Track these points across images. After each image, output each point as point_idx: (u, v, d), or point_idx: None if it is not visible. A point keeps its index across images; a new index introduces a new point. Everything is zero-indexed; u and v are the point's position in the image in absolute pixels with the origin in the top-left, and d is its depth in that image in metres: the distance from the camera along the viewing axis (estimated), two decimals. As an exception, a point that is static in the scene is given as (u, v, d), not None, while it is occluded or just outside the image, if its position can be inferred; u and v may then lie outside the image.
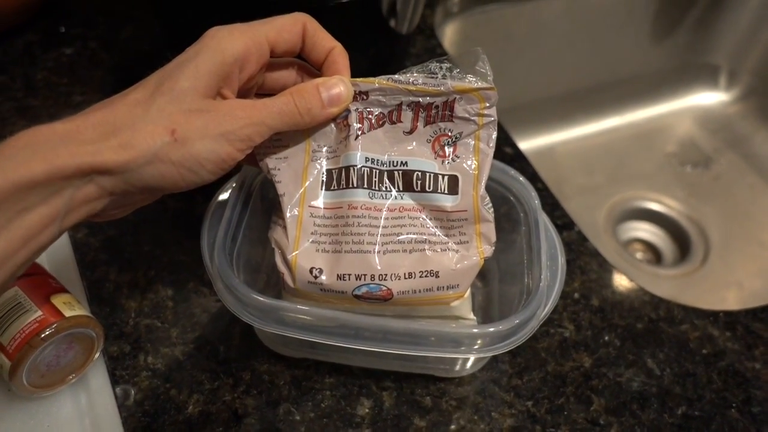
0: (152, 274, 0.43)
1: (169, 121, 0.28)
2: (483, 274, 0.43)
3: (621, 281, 0.46)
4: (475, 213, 0.33)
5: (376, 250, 0.32)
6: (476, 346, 0.33)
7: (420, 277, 0.32)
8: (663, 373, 0.41)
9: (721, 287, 0.66)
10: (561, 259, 0.37)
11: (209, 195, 0.38)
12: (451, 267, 0.32)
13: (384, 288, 0.32)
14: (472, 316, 0.37)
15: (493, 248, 0.34)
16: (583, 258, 0.47)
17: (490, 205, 0.34)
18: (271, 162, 0.33)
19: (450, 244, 0.33)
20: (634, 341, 0.42)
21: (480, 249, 0.33)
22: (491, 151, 0.33)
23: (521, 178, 0.40)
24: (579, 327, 0.43)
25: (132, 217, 0.46)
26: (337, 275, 0.31)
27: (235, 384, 0.39)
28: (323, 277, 0.32)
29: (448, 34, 0.71)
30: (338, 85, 0.32)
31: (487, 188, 0.38)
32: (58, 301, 0.35)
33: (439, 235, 0.33)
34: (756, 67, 0.81)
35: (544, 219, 0.38)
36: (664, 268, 0.68)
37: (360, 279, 0.31)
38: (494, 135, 0.33)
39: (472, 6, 0.71)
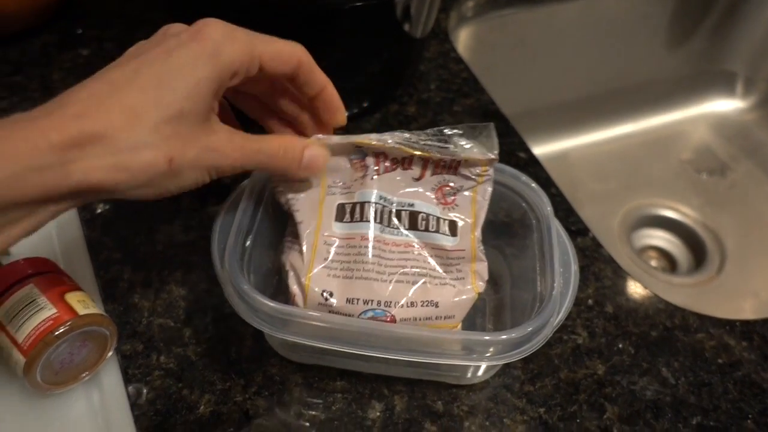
0: (165, 273, 0.43)
1: (167, 148, 0.28)
2: (495, 280, 0.43)
3: (635, 288, 0.45)
4: (472, 253, 0.36)
5: (384, 279, 0.34)
6: (488, 354, 0.33)
7: (421, 306, 0.34)
8: (678, 382, 0.41)
9: (738, 296, 0.65)
10: (574, 266, 0.37)
11: (222, 196, 0.38)
12: (449, 299, 0.35)
13: (388, 314, 0.34)
14: None
15: (485, 285, 0.36)
16: (598, 264, 0.47)
17: (482, 246, 0.37)
18: (288, 193, 0.36)
19: (447, 279, 0.36)
20: (649, 349, 0.42)
21: (474, 285, 0.36)
22: (486, 203, 0.37)
23: (533, 184, 0.39)
24: (593, 334, 0.43)
25: (145, 217, 0.47)
26: (347, 299, 0.34)
27: (247, 385, 0.39)
28: (333, 300, 0.34)
29: (462, 39, 0.71)
30: (319, 155, 0.34)
31: (500, 194, 0.39)
32: (72, 299, 0.36)
33: (438, 270, 0.36)
34: (773, 75, 0.80)
35: (556, 225, 0.38)
36: (680, 276, 0.68)
37: (367, 303, 0.34)
38: (490, 189, 0.37)
39: (487, 11, 0.71)
